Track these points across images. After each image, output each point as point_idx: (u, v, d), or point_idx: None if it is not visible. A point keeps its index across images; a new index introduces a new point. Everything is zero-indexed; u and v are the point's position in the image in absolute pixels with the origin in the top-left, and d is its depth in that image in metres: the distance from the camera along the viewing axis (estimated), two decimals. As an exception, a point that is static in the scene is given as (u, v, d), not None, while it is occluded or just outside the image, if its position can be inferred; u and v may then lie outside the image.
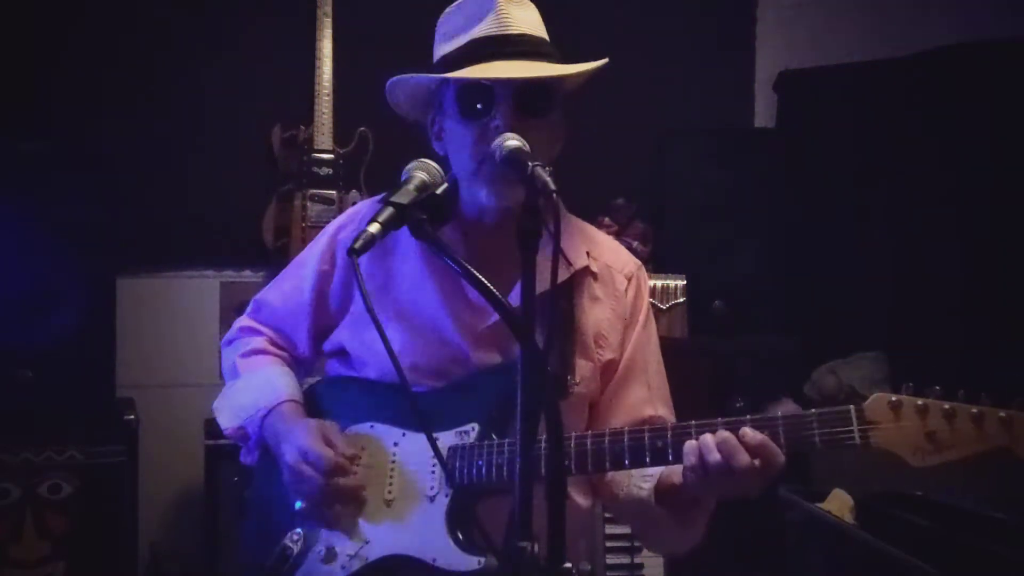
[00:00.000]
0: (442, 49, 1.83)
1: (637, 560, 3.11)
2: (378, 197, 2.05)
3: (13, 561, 2.98)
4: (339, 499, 1.77)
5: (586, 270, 1.89)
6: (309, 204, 3.59)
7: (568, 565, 1.32)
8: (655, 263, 3.77)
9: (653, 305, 3.57)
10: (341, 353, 1.95)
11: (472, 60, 1.76)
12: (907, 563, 2.32)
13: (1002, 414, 1.50)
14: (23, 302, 3.05)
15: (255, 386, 1.95)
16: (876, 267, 3.79)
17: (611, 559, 3.10)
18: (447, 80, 1.79)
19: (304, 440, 1.78)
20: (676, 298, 3.62)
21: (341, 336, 1.94)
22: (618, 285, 1.93)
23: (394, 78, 1.84)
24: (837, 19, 4.19)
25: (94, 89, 3.55)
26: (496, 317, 1.80)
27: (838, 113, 3.93)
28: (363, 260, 1.88)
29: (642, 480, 1.79)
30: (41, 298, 3.07)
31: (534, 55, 1.78)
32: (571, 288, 1.87)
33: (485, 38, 1.78)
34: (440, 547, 1.71)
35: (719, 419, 1.63)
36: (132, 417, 3.14)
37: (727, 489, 1.61)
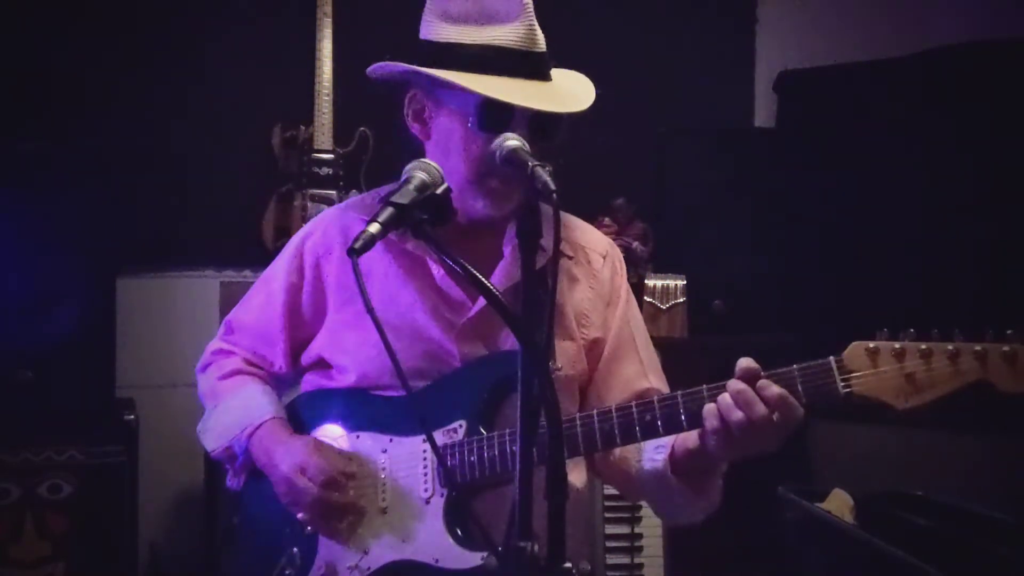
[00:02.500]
0: (445, 31, 1.77)
1: (637, 560, 3.11)
2: (342, 204, 2.03)
3: (13, 561, 2.98)
4: (336, 512, 1.77)
5: (560, 253, 1.85)
6: (309, 204, 3.59)
7: (568, 565, 1.32)
8: (655, 263, 3.77)
9: (653, 305, 3.58)
10: (319, 365, 1.93)
11: (497, 70, 1.72)
12: (907, 563, 2.31)
13: (977, 348, 1.53)
14: (23, 302, 3.05)
15: (238, 406, 1.93)
16: (876, 266, 3.79)
17: (611, 559, 3.10)
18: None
19: (300, 453, 1.78)
20: (676, 298, 3.62)
21: (319, 346, 1.92)
22: (594, 264, 1.94)
23: (416, 68, 1.76)
24: (837, 19, 4.19)
25: (94, 89, 3.54)
26: (476, 309, 1.81)
27: (838, 113, 3.93)
28: (333, 267, 1.88)
29: (655, 452, 1.79)
30: (41, 298, 3.07)
31: (548, 76, 1.77)
32: (546, 273, 1.85)
33: (517, 52, 1.73)
34: (441, 547, 1.72)
35: (703, 386, 1.64)
36: (132, 417, 3.14)
37: (749, 445, 1.61)
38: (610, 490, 3.07)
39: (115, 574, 3.09)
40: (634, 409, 1.67)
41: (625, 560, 3.11)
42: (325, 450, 1.80)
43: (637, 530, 3.10)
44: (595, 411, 1.70)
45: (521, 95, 1.71)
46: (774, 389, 1.57)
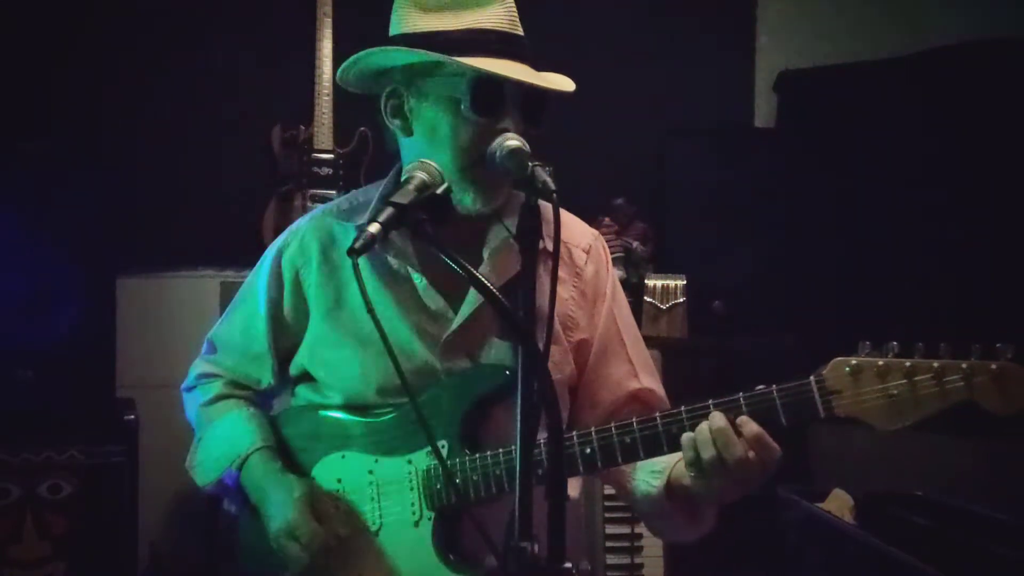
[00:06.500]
0: (422, 21, 1.71)
1: (637, 560, 3.11)
2: (316, 211, 1.96)
3: (13, 561, 2.98)
4: (327, 568, 1.73)
5: (543, 251, 1.73)
6: (309, 204, 3.59)
7: (568, 565, 1.31)
8: (655, 263, 3.78)
9: (653, 305, 3.58)
10: (307, 378, 1.88)
11: (483, 51, 1.66)
12: (907, 563, 2.31)
13: (963, 365, 1.48)
14: (23, 302, 3.05)
15: (223, 438, 1.90)
16: (876, 267, 3.79)
17: (611, 559, 3.10)
18: (438, 61, 1.67)
19: (291, 513, 1.73)
20: (676, 298, 3.62)
21: (302, 361, 1.87)
22: (577, 260, 1.85)
23: (408, 49, 1.69)
24: (837, 19, 4.19)
25: (95, 88, 3.55)
26: (458, 323, 1.76)
27: (838, 113, 3.93)
28: (312, 277, 1.84)
29: (652, 477, 1.74)
30: (41, 298, 3.07)
31: (532, 60, 1.72)
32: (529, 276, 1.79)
33: (501, 33, 1.68)
34: (433, 572, 1.70)
35: (683, 408, 1.61)
36: (132, 417, 3.13)
37: (725, 484, 1.57)
38: (610, 490, 3.07)
39: (115, 574, 3.09)
40: (614, 431, 1.63)
41: (625, 560, 3.11)
42: (318, 504, 1.74)
43: (637, 530, 3.10)
44: (586, 430, 1.65)
45: (514, 73, 1.65)
46: (753, 427, 1.53)
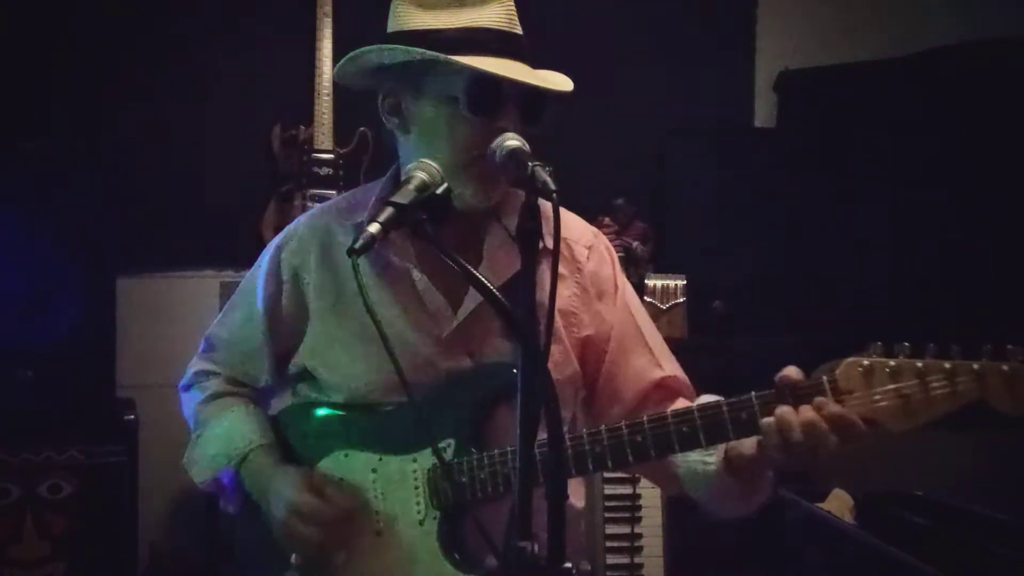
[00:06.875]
0: (419, 18, 1.71)
1: (637, 560, 3.11)
2: (314, 210, 1.96)
3: (13, 561, 2.98)
4: (338, 547, 1.73)
5: (543, 250, 1.67)
6: (309, 204, 3.59)
7: (568, 565, 1.31)
8: (655, 263, 3.78)
9: (653, 305, 3.58)
10: (307, 376, 1.87)
11: (481, 50, 1.65)
12: (907, 563, 2.32)
13: (975, 367, 1.49)
14: (23, 302, 3.05)
15: (221, 435, 1.89)
16: (876, 266, 3.79)
17: (611, 559, 3.10)
18: (435, 60, 1.66)
19: (292, 493, 1.73)
20: (676, 298, 3.62)
21: (302, 359, 1.85)
22: (578, 256, 1.84)
23: (406, 48, 1.68)
24: (837, 19, 4.19)
25: (95, 89, 3.55)
26: (458, 321, 1.76)
27: (838, 113, 3.94)
28: (312, 275, 1.83)
29: (705, 455, 1.70)
30: (41, 298, 3.07)
31: (530, 59, 1.71)
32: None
33: (500, 32, 1.68)
34: (438, 572, 1.70)
35: (694, 407, 1.61)
36: (132, 417, 3.14)
37: (808, 461, 1.57)
38: (610, 490, 3.07)
39: (115, 574, 3.09)
40: (624, 431, 1.62)
41: (625, 560, 3.11)
42: (318, 486, 1.74)
43: (637, 530, 3.10)
44: (604, 427, 1.65)
45: (512, 73, 1.64)
46: (832, 408, 1.53)
